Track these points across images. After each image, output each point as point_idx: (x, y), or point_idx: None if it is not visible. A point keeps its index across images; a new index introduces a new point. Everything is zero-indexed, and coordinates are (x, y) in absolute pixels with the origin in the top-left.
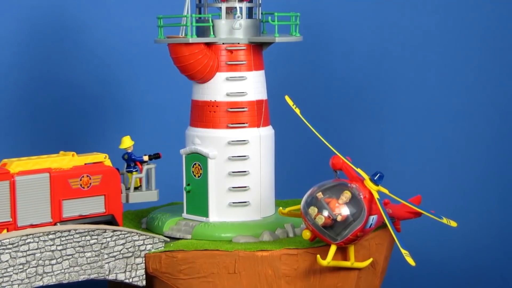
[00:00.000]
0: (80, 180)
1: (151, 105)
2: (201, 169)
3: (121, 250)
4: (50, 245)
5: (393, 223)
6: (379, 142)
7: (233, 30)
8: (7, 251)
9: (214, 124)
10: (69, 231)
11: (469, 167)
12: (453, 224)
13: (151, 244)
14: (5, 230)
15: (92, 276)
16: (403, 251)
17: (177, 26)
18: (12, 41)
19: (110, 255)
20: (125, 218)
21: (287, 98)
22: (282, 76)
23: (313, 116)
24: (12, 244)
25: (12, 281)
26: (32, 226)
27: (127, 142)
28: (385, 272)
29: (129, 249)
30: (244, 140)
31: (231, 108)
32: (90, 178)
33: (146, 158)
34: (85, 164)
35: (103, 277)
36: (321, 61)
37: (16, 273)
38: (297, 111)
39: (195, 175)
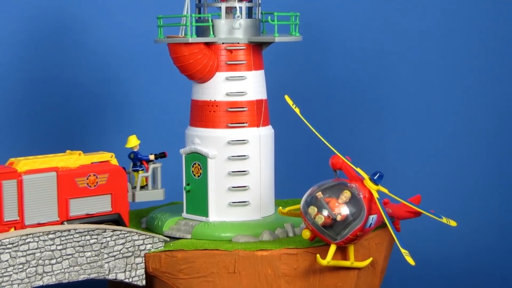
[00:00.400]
0: (87, 179)
1: (151, 104)
2: (201, 168)
3: (121, 249)
4: (50, 245)
5: (393, 223)
6: (378, 141)
7: (232, 30)
8: (7, 250)
9: (214, 124)
10: (69, 230)
11: (469, 166)
12: (453, 223)
13: (151, 243)
14: (12, 229)
15: (92, 276)
16: (403, 251)
17: (176, 26)
18: (13, 41)
19: (110, 254)
20: None
21: (286, 97)
22: (281, 76)
23: (313, 116)
24: (12, 243)
25: (12, 281)
26: (39, 224)
27: (133, 141)
28: (385, 271)
29: (129, 249)
30: (244, 140)
31: (230, 108)
32: (96, 177)
33: (152, 157)
34: (91, 163)
35: (103, 277)
36: (321, 60)
37: (16, 273)
38: (297, 110)
39: (195, 175)
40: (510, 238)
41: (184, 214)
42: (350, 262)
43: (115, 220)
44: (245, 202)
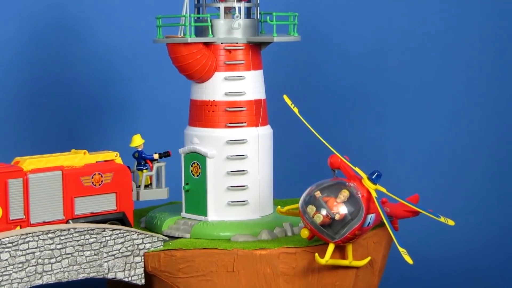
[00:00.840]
0: (92, 177)
1: (150, 104)
2: (199, 168)
3: (120, 249)
4: (50, 244)
5: (391, 222)
6: (377, 141)
7: (231, 30)
8: (6, 249)
9: (212, 123)
10: (68, 230)
11: (468, 166)
12: (451, 222)
13: (150, 243)
14: (18, 227)
15: (91, 275)
16: (401, 250)
17: (176, 26)
18: (14, 41)
19: (109, 254)
20: None
21: (285, 97)
22: (280, 76)
23: (312, 116)
24: (12, 243)
25: (11, 280)
26: (44, 223)
27: (137, 141)
28: (383, 270)
29: (128, 248)
30: (243, 140)
31: (229, 108)
32: (101, 176)
33: (156, 156)
34: (96, 162)
35: (102, 276)
36: (319, 60)
37: (16, 272)
38: (296, 110)
39: (193, 175)
40: (509, 238)
41: (183, 214)
42: (349, 261)
43: (120, 218)
44: (244, 201)
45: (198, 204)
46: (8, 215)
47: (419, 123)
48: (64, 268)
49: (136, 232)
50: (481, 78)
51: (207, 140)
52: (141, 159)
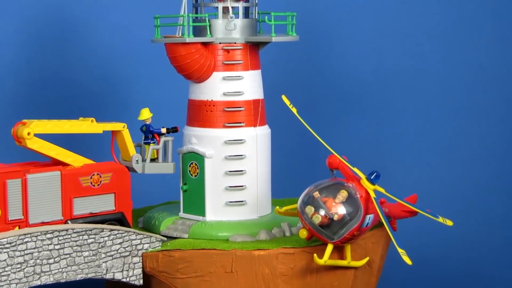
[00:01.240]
0: (91, 178)
1: (148, 104)
2: (197, 168)
3: (118, 249)
4: (48, 244)
5: (390, 222)
6: (375, 141)
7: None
8: (5, 250)
9: (210, 123)
10: (67, 230)
11: (468, 166)
12: (449, 223)
13: (148, 243)
14: (17, 228)
15: (89, 275)
16: (400, 250)
17: (174, 26)
18: (13, 41)
19: (108, 254)
20: None
21: (283, 97)
22: (278, 76)
23: (310, 116)
24: (10, 243)
25: (10, 280)
26: (43, 223)
27: (145, 114)
28: (382, 271)
29: (127, 248)
30: (241, 140)
31: (227, 108)
32: (100, 176)
33: (164, 130)
34: (95, 162)
35: (100, 276)
36: (318, 60)
37: (14, 272)
38: (294, 110)
39: (192, 175)
40: (509, 238)
41: (181, 214)
42: (347, 261)
43: (119, 219)
44: (242, 201)
45: (196, 204)
46: (7, 215)
47: (418, 123)
48: (62, 268)
49: (134, 232)
50: (481, 78)
51: (205, 140)
52: (149, 133)
